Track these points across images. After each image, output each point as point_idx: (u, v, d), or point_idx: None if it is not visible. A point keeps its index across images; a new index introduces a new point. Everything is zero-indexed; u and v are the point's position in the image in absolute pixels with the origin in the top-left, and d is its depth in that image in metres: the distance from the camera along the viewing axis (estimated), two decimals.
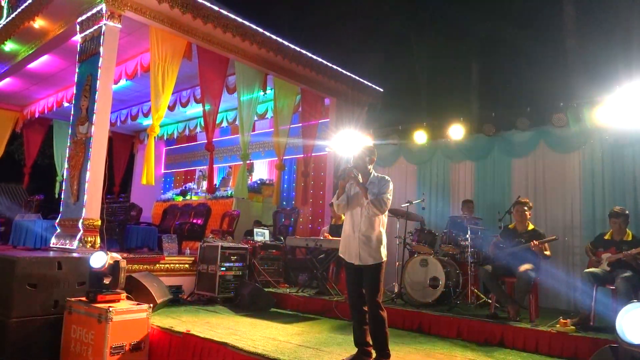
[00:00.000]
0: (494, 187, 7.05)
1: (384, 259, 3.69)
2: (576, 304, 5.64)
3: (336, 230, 6.88)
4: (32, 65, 8.77)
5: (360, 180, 3.70)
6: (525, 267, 4.94)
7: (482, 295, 5.82)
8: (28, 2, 7.16)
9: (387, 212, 3.75)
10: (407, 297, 5.91)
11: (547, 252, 5.07)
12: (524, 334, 4.52)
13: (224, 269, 6.32)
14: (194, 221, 8.52)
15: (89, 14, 6.53)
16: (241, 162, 8.19)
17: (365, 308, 3.65)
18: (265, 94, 8.59)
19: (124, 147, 13.46)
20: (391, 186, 3.75)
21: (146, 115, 10.40)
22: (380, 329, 3.56)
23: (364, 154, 3.83)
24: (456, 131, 7.29)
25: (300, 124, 9.21)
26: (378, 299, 3.59)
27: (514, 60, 13.39)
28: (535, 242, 4.98)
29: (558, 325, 4.53)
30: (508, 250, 5.23)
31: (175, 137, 12.30)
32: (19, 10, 7.45)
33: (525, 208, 5.31)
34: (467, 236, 5.91)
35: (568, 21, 12.15)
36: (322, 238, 6.62)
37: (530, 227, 5.32)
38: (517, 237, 5.25)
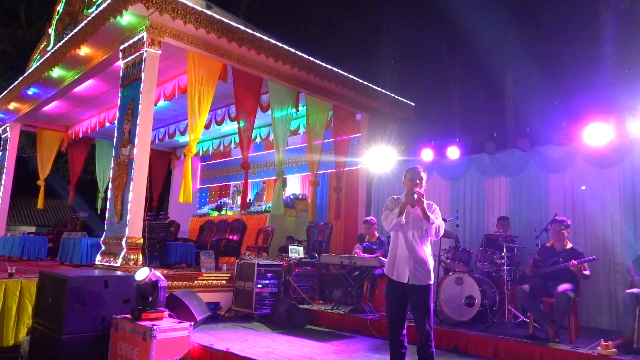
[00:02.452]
0: (530, 203, 6.91)
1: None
2: (619, 323, 5.49)
3: (369, 247, 6.92)
4: (77, 89, 9.22)
5: (425, 205, 3.77)
6: (564, 287, 4.86)
7: (519, 315, 5.73)
8: (74, 31, 7.58)
9: None
10: (442, 316, 5.88)
11: (587, 272, 4.97)
12: (563, 356, 4.44)
13: (261, 285, 6.47)
14: (230, 237, 8.71)
15: (131, 41, 6.86)
16: (274, 177, 8.33)
17: (404, 332, 3.72)
18: (298, 112, 8.77)
19: (162, 163, 13.89)
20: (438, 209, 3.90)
21: (183, 133, 10.74)
22: (428, 349, 3.65)
23: (420, 177, 3.86)
24: (490, 146, 7.24)
25: (333, 139, 9.33)
26: (429, 318, 3.69)
27: (548, 72, 13.15)
28: (574, 262, 4.89)
29: (599, 348, 4.41)
30: (546, 269, 5.16)
31: (210, 153, 12.63)
32: (65, 39, 7.89)
33: (562, 227, 5.22)
34: (503, 254, 5.85)
35: (604, 30, 11.88)
36: (355, 255, 6.67)
37: (569, 245, 5.22)
38: (555, 256, 5.16)
